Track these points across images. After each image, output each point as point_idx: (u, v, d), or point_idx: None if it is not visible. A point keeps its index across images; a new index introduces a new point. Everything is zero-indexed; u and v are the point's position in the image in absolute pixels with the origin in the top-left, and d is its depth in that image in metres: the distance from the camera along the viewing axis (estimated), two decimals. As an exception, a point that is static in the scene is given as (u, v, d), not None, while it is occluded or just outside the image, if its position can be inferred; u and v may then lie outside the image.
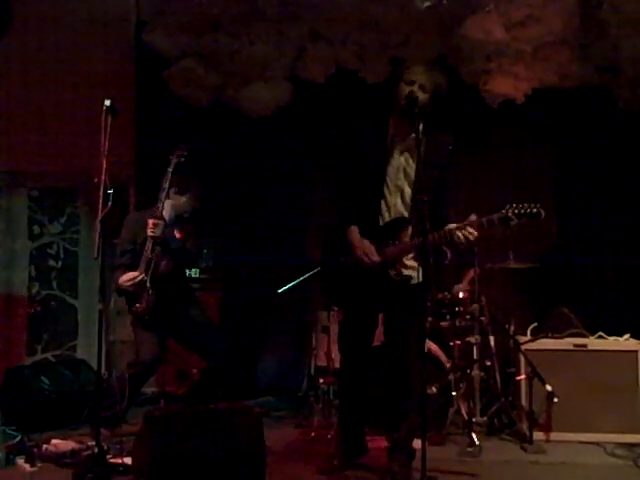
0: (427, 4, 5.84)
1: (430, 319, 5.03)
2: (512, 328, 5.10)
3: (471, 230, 3.62)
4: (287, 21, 5.98)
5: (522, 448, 4.57)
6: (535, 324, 5.12)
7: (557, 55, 5.67)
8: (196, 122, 6.16)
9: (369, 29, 5.96)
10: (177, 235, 4.62)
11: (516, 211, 3.58)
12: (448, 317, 5.07)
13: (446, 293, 5.14)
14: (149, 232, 4.47)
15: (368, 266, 3.80)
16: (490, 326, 5.12)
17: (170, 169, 4.54)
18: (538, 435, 4.72)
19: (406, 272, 3.85)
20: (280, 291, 5.34)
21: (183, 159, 4.55)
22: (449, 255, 3.81)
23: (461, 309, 5.07)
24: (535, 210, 3.57)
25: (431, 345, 5.00)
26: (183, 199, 4.68)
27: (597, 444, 4.65)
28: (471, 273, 5.15)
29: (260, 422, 3.73)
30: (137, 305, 4.49)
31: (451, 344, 5.07)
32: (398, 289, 3.85)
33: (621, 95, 5.82)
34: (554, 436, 4.76)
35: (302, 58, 6.14)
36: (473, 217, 3.70)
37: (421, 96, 3.75)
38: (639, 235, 5.72)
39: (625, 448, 4.54)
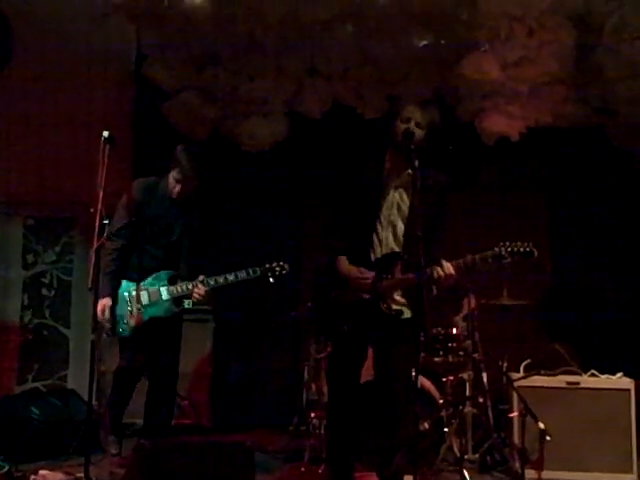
0: (424, 43, 5.94)
1: (423, 355, 5.03)
2: (505, 365, 5.08)
3: (446, 268, 3.67)
4: (285, 56, 6.05)
5: (514, 486, 4.56)
6: (528, 361, 5.12)
7: (552, 95, 5.75)
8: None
9: (367, 66, 6.04)
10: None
11: (509, 249, 3.63)
12: (441, 353, 5.07)
13: (440, 329, 5.14)
14: (195, 296, 4.45)
15: (363, 290, 3.82)
16: (483, 362, 5.13)
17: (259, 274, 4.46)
18: (530, 473, 4.67)
19: (395, 307, 3.87)
20: (274, 324, 5.36)
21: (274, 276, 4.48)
22: (434, 291, 3.84)
23: (454, 345, 5.07)
24: (528, 249, 3.63)
25: (424, 381, 4.98)
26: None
27: (589, 483, 4.63)
28: (465, 309, 5.18)
29: (251, 457, 3.72)
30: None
31: (444, 380, 5.06)
32: (389, 323, 3.86)
33: (616, 136, 5.89)
34: (546, 474, 4.72)
35: (300, 93, 6.19)
36: (469, 257, 3.76)
37: (417, 133, 3.81)
38: (633, 276, 5.73)
39: (617, 488, 4.52)
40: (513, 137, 5.80)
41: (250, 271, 4.43)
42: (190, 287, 4.44)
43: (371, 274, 3.84)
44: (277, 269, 4.44)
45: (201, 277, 4.45)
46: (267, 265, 4.44)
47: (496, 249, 3.65)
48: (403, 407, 3.76)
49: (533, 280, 5.41)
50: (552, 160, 6.27)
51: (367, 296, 3.84)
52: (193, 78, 6.13)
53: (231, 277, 4.43)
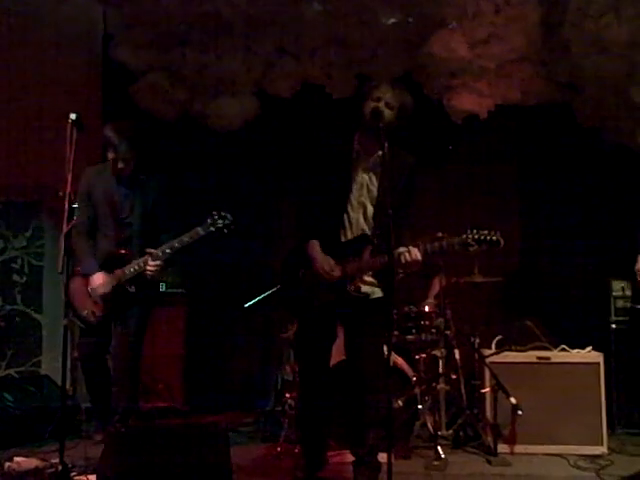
0: (392, 21, 5.93)
1: (396, 333, 5.08)
2: (477, 341, 5.14)
3: (414, 254, 3.70)
4: (254, 37, 6.01)
5: (487, 461, 4.62)
6: (499, 337, 5.19)
7: (520, 72, 5.76)
8: (163, 136, 6.14)
9: (335, 45, 6.01)
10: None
11: (476, 237, 3.68)
12: (414, 331, 5.11)
13: (412, 307, 5.18)
14: (148, 272, 4.44)
15: (327, 281, 3.83)
16: (455, 339, 5.19)
17: (202, 232, 4.41)
18: (503, 448, 4.77)
19: (364, 289, 3.90)
20: (247, 305, 5.36)
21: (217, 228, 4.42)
22: (401, 275, 3.89)
23: (427, 323, 5.12)
24: (495, 238, 3.69)
25: (397, 359, 5.03)
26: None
27: (561, 456, 4.70)
28: (437, 287, 5.22)
29: (226, 438, 3.73)
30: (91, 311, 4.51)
31: (417, 358, 5.12)
32: (358, 304, 3.89)
33: (582, 112, 5.93)
34: (518, 448, 4.81)
35: (269, 73, 6.16)
36: (440, 234, 3.79)
37: (387, 112, 3.81)
38: (602, 250, 5.80)
39: (588, 460, 4.60)
40: (481, 114, 5.82)
41: (193, 233, 4.39)
42: (142, 265, 4.45)
43: (338, 272, 3.84)
44: (219, 222, 4.38)
45: (149, 251, 4.45)
46: (209, 220, 4.38)
47: (463, 236, 3.69)
48: (375, 385, 3.79)
49: (504, 257, 5.44)
50: (520, 137, 6.30)
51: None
52: (161, 59, 6.06)
53: (176, 243, 4.41)
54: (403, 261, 3.73)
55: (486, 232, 3.68)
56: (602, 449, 4.78)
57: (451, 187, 6.25)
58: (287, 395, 5.00)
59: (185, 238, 4.39)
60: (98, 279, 4.52)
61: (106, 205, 4.61)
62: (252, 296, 5.38)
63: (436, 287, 5.25)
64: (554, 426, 4.80)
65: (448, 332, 5.11)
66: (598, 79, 5.50)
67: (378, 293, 3.94)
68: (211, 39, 5.98)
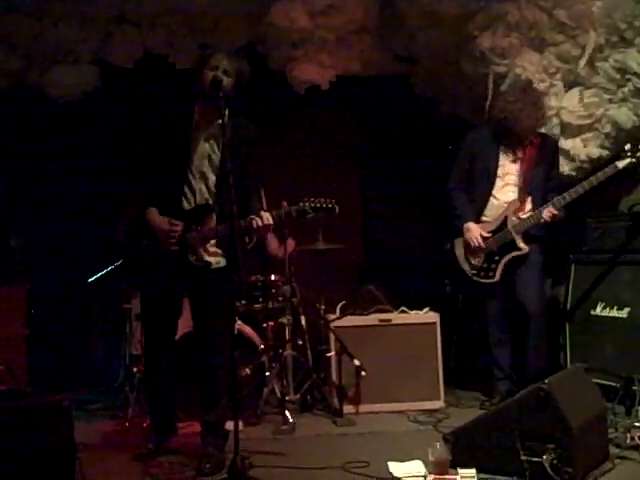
0: (236, -9, 5.89)
1: (244, 302, 5.14)
2: (322, 307, 5.28)
3: (266, 219, 3.81)
4: (92, 3, 5.80)
5: (333, 422, 4.78)
6: (343, 302, 5.36)
7: (359, 44, 5.87)
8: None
9: (177, 14, 5.90)
10: None
11: (312, 205, 3.82)
12: (261, 300, 5.19)
13: (259, 276, 5.25)
14: None
15: (171, 242, 3.85)
16: (301, 306, 5.31)
17: None
18: (348, 408, 4.95)
19: (208, 258, 3.94)
20: (90, 280, 5.25)
21: None
22: (253, 240, 3.95)
23: (273, 291, 5.21)
24: (330, 205, 3.83)
25: (244, 328, 5.10)
26: None
27: (402, 412, 4.93)
28: (280, 255, 5.31)
29: (69, 415, 3.64)
30: None
31: (264, 326, 5.20)
32: (201, 274, 3.92)
33: (418, 83, 6.17)
34: (363, 408, 5.01)
35: (109, 42, 5.97)
36: (285, 204, 3.92)
37: (225, 80, 3.83)
38: (438, 215, 6.07)
39: (426, 414, 4.85)
40: (323, 85, 5.92)
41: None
42: None
43: (180, 226, 3.87)
44: None
45: None
46: None
47: (300, 204, 3.82)
48: (223, 355, 3.84)
49: (346, 224, 5.61)
50: (361, 107, 6.49)
51: (175, 248, 3.87)
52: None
53: None
54: (255, 226, 3.80)
55: (322, 200, 3.82)
56: (440, 403, 5.05)
57: (294, 156, 6.35)
58: (134, 369, 4.96)
59: None
60: None
61: None
62: (98, 270, 5.28)
63: (280, 255, 5.33)
64: (396, 384, 5.02)
65: (294, 300, 5.22)
66: (432, 51, 5.72)
67: (222, 263, 3.98)
68: (46, 5, 5.72)
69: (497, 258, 4.90)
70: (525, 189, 4.86)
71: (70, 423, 3.60)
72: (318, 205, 3.80)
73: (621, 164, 4.57)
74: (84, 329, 6.20)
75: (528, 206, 4.85)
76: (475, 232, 4.91)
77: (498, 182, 4.92)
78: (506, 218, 4.86)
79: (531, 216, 4.78)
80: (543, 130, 5.04)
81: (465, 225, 4.96)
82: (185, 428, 4.37)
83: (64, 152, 6.11)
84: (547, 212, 4.68)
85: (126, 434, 4.59)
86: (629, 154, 4.56)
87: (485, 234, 4.90)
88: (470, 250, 4.99)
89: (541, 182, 4.87)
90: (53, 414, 3.59)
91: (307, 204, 3.80)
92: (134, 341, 5.25)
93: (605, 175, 4.59)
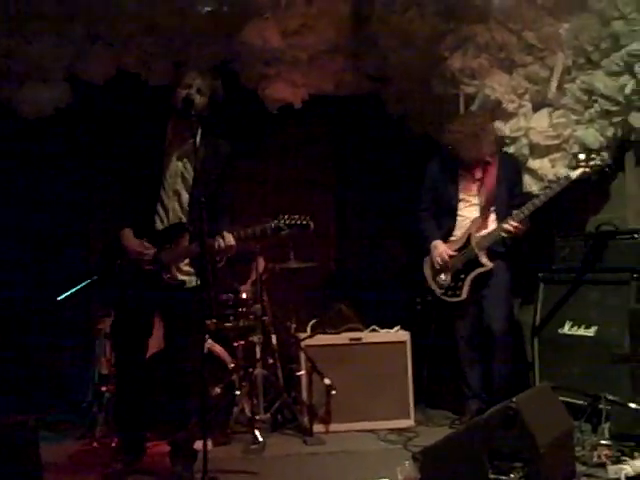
0: (208, 9, 5.90)
1: (214, 321, 5.12)
2: (293, 326, 5.29)
3: (227, 240, 3.83)
4: (65, 21, 5.79)
5: (303, 441, 4.77)
6: (314, 321, 5.36)
7: (332, 64, 5.94)
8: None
9: (151, 32, 5.91)
10: None
11: (287, 222, 3.86)
12: (232, 318, 5.18)
13: (230, 295, 5.24)
14: None
15: (145, 263, 3.83)
16: (272, 325, 5.30)
17: None
18: (318, 427, 4.95)
19: (181, 277, 3.93)
20: (60, 298, 5.19)
21: None
22: (223, 260, 3.96)
23: (244, 310, 5.20)
24: (305, 222, 3.90)
25: (215, 347, 5.08)
26: None
27: (372, 431, 4.93)
28: (253, 274, 5.31)
29: (35, 436, 3.61)
30: None
31: (235, 344, 5.18)
32: (174, 293, 3.91)
33: (389, 102, 6.23)
34: (333, 427, 5.00)
35: (81, 59, 5.96)
36: (249, 229, 3.94)
37: (198, 99, 3.85)
38: (408, 235, 6.10)
39: (396, 433, 4.86)
40: (296, 103, 5.95)
41: None
42: None
43: (152, 250, 3.86)
44: None
45: None
46: None
47: (275, 221, 3.86)
48: (193, 375, 3.83)
49: (319, 243, 5.62)
50: (334, 126, 6.54)
51: (149, 267, 3.86)
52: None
53: None
54: (217, 247, 3.81)
55: (297, 217, 3.87)
56: (409, 421, 5.07)
57: (268, 174, 6.36)
58: (103, 389, 4.91)
59: None
60: None
61: None
62: (67, 288, 5.22)
63: (253, 274, 5.33)
64: (366, 403, 5.03)
65: (265, 318, 5.21)
66: (403, 71, 5.79)
67: (194, 282, 3.97)
68: (19, 22, 5.70)
69: (463, 276, 4.96)
70: (487, 207, 4.98)
71: (36, 443, 3.57)
72: (292, 222, 3.85)
73: (574, 174, 4.64)
74: (52, 348, 6.12)
75: (492, 224, 4.95)
76: (440, 250, 5.00)
77: (461, 204, 5.05)
78: (470, 236, 4.95)
79: (493, 231, 4.88)
80: (512, 149, 5.14)
81: (432, 244, 5.04)
82: (153, 448, 4.33)
83: (34, 168, 6.06)
84: (506, 225, 4.77)
85: (94, 454, 4.54)
86: (582, 164, 4.63)
87: (451, 252, 4.98)
88: (437, 269, 5.05)
89: (505, 200, 4.97)
90: (18, 434, 3.55)
91: (282, 221, 3.83)
92: (103, 360, 5.19)
93: (560, 186, 4.66)
